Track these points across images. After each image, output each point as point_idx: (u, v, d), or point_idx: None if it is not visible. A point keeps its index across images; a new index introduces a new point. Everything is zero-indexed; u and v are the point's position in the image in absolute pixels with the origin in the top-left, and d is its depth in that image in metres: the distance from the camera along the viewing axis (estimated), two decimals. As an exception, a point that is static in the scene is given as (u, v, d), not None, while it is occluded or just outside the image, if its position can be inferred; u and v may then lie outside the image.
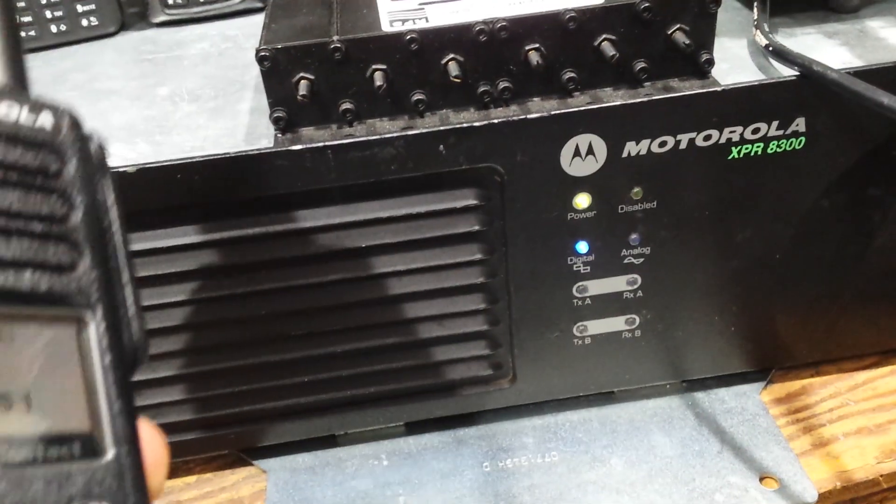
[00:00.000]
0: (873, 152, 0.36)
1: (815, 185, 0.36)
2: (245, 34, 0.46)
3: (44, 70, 0.44)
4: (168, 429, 0.39)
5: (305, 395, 0.40)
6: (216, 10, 0.48)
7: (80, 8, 0.46)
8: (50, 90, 0.42)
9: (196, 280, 0.35)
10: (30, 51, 0.46)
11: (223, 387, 0.39)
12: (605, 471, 0.40)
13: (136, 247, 0.34)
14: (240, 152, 0.33)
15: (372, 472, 0.41)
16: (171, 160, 0.32)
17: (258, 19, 0.48)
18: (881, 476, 0.39)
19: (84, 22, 0.46)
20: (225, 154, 0.33)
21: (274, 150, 0.33)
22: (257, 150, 0.33)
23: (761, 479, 0.38)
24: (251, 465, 0.42)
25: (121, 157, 0.35)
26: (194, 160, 0.32)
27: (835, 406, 0.42)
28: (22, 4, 0.45)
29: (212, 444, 0.41)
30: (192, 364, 0.38)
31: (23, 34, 0.45)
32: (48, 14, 0.46)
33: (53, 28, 0.46)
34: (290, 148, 0.33)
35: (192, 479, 0.41)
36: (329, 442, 0.42)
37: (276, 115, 0.34)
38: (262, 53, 0.33)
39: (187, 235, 0.35)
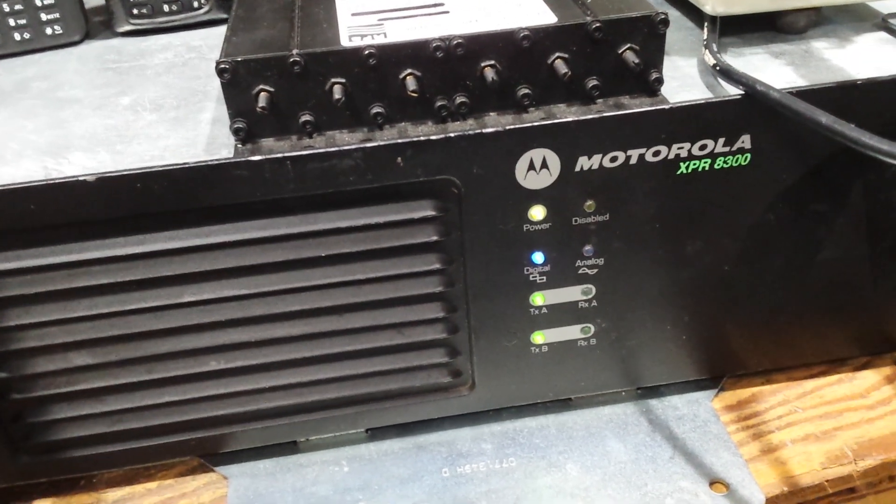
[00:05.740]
0: (816, 169, 0.37)
1: (761, 199, 0.37)
2: (209, 45, 0.46)
3: (6, 78, 0.44)
4: (130, 435, 0.40)
5: (266, 401, 0.40)
6: (180, 21, 0.48)
7: (44, 16, 0.46)
8: (12, 98, 0.42)
9: (155, 288, 0.36)
10: (-7, 58, 0.46)
11: (184, 394, 0.39)
12: (561, 476, 0.40)
13: (95, 255, 0.34)
14: (199, 162, 0.33)
15: (332, 477, 0.41)
16: (130, 169, 0.32)
17: (222, 30, 0.48)
18: (826, 481, 0.39)
19: (48, 30, 0.46)
20: (184, 164, 0.33)
21: (233, 160, 0.33)
22: (217, 160, 0.33)
23: (711, 484, 0.39)
24: (212, 471, 0.42)
25: (81, 165, 0.35)
26: (154, 170, 0.33)
27: (783, 413, 0.43)
28: (-15, 12, 0.45)
29: (173, 450, 0.41)
30: (153, 371, 0.38)
31: (-14, 41, 0.45)
32: (11, 22, 0.45)
33: (17, 36, 0.46)
34: (249, 158, 0.33)
35: (153, 484, 0.41)
36: (290, 448, 0.43)
37: (236, 125, 0.34)
38: (223, 65, 0.33)
39: (146, 244, 0.35)
